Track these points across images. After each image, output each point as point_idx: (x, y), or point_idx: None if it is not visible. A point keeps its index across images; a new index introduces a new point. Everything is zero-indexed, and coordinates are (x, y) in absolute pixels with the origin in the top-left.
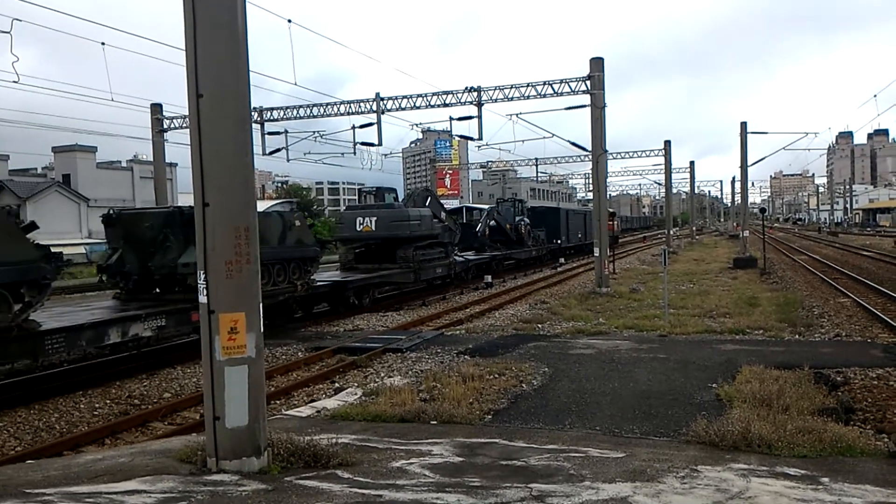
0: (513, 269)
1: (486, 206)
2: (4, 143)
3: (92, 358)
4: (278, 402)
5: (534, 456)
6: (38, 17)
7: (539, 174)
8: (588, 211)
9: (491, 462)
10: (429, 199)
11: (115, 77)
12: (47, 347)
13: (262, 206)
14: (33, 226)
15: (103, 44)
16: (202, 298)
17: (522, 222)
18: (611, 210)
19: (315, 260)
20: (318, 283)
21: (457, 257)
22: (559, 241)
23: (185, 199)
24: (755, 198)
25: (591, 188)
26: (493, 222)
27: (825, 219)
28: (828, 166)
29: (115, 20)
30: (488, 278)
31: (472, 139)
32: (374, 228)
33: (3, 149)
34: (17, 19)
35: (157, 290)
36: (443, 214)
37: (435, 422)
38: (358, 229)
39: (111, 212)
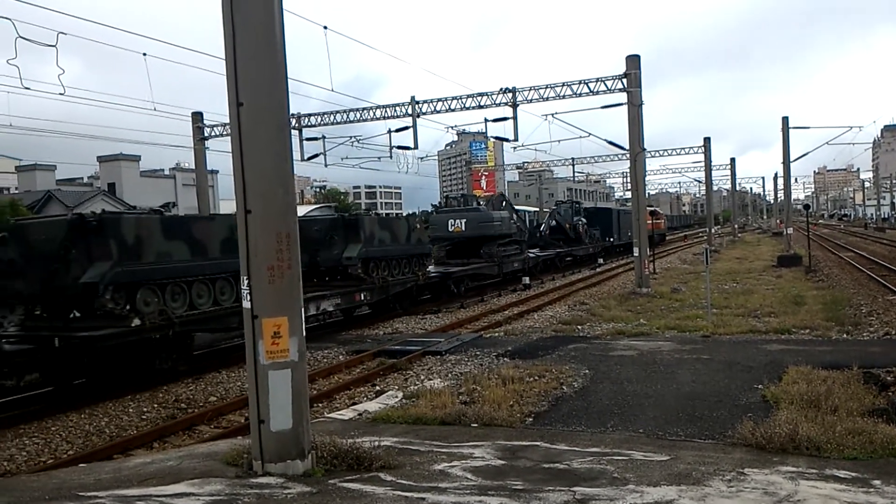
0: (551, 270)
1: (523, 208)
2: (52, 154)
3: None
4: (321, 404)
5: (576, 459)
6: (82, 29)
7: (576, 174)
8: None
9: (533, 465)
10: (504, 202)
11: (156, 86)
12: None
13: (301, 210)
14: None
15: (145, 54)
16: (245, 304)
17: (580, 222)
18: (655, 208)
19: (429, 256)
20: (431, 275)
21: (529, 253)
22: (612, 239)
23: (227, 206)
24: (798, 194)
25: (629, 187)
26: (554, 222)
27: (871, 214)
28: (873, 160)
29: (155, 31)
30: (526, 279)
31: (507, 140)
32: (463, 229)
33: (51, 159)
34: (63, 33)
35: (327, 278)
36: (514, 216)
37: (476, 424)
38: (450, 230)
39: None
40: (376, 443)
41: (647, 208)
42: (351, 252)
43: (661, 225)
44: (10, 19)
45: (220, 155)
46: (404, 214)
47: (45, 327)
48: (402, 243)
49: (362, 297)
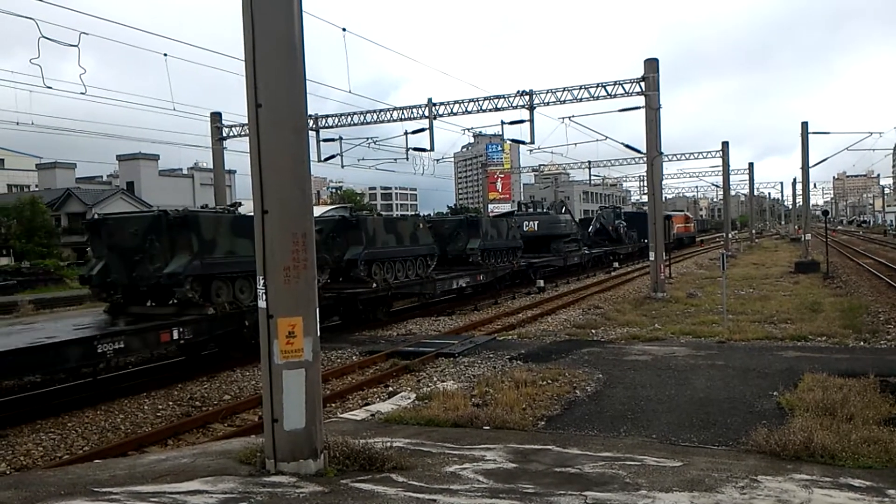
0: (565, 274)
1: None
2: (72, 152)
3: (155, 360)
4: (333, 405)
5: (588, 463)
6: (104, 30)
7: (592, 177)
8: (669, 215)
9: (545, 469)
10: (564, 208)
11: (176, 87)
12: (436, 288)
13: (317, 211)
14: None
15: (165, 55)
16: (261, 303)
17: (621, 225)
18: (686, 213)
19: (521, 249)
20: (521, 264)
21: (584, 250)
22: (646, 240)
23: (243, 206)
24: (817, 200)
25: (645, 191)
26: (598, 225)
27: (891, 221)
28: (893, 166)
29: (176, 32)
30: (541, 283)
31: (523, 143)
32: (536, 229)
33: (71, 157)
34: (85, 33)
35: (445, 266)
36: (572, 220)
37: (488, 427)
38: (524, 229)
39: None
40: (388, 444)
41: (680, 213)
42: (473, 245)
43: (691, 228)
44: (33, 19)
45: (238, 155)
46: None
47: (328, 287)
48: (504, 239)
49: (481, 278)
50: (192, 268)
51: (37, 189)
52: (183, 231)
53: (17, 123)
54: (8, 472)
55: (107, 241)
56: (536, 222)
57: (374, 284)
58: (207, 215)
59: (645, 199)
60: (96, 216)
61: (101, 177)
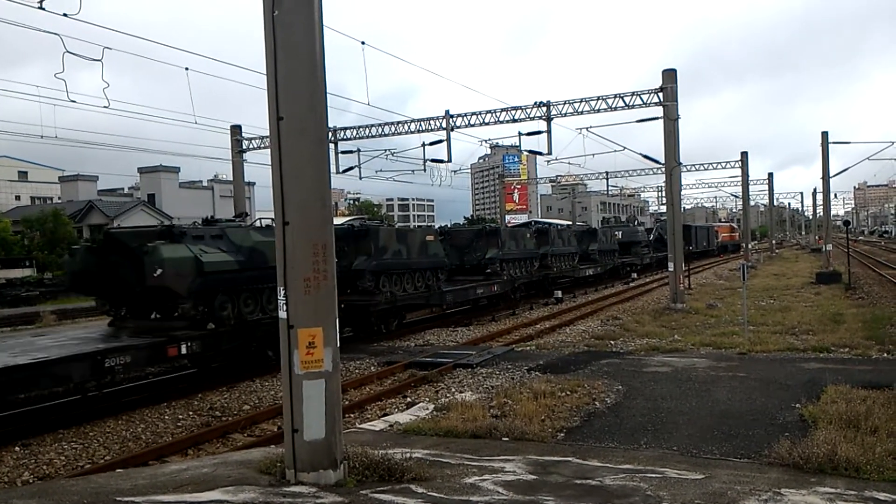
0: (583, 285)
1: (555, 221)
2: (94, 165)
3: (174, 371)
4: (352, 415)
5: (609, 475)
6: (128, 44)
7: (610, 188)
8: (710, 226)
9: (565, 481)
10: (636, 220)
11: (197, 100)
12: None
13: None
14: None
15: (187, 69)
16: (282, 314)
17: None
18: (721, 223)
19: (618, 251)
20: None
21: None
22: (691, 247)
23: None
24: (838, 210)
25: (664, 201)
26: (657, 234)
27: None
28: None
29: (197, 46)
30: (558, 293)
31: (541, 154)
32: (620, 237)
33: (93, 170)
34: (108, 48)
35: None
36: (644, 230)
37: (507, 438)
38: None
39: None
40: (407, 454)
41: (725, 223)
42: (593, 247)
43: (735, 237)
44: (58, 34)
45: (257, 167)
46: (600, 227)
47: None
48: (609, 243)
49: (598, 269)
50: (498, 255)
51: (59, 201)
52: (493, 237)
53: (42, 137)
54: (31, 481)
55: (449, 241)
56: (621, 232)
57: (555, 269)
58: (512, 229)
59: (663, 209)
60: (440, 229)
61: (123, 189)
